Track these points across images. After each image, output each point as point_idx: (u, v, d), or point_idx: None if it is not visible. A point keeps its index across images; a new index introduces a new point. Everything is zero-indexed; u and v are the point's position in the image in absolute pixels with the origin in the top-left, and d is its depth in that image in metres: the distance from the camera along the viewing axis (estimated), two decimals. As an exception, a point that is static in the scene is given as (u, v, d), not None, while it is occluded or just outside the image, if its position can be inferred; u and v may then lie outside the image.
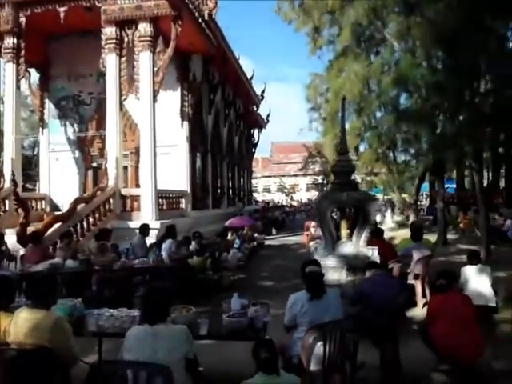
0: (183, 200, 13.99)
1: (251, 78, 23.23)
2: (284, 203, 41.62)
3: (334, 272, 5.00)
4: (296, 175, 51.33)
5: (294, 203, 42.04)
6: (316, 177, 43.56)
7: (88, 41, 12.08)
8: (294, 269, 6.18)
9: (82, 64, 13.10)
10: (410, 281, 6.12)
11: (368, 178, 19.13)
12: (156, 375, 2.22)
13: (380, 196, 27.85)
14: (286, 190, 51.69)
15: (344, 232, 5.25)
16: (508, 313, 5.68)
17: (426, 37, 6.64)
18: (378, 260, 4.96)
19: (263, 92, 26.32)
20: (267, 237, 16.96)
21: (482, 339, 3.79)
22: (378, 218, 21.34)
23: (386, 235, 12.37)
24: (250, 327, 3.21)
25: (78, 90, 13.94)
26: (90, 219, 9.90)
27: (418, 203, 32.62)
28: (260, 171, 57.61)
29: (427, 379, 3.81)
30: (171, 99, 14.02)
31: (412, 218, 16.15)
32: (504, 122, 6.80)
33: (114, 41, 10.94)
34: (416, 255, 6.10)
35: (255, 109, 26.91)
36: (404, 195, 16.51)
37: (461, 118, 7.82)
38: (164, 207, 12.34)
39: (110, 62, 11.08)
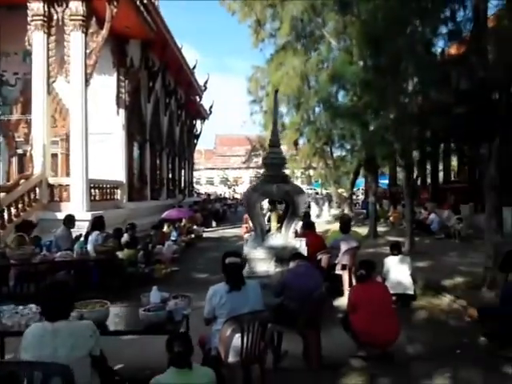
0: (118, 191, 13.44)
1: (194, 67, 22.80)
2: (227, 196, 41.56)
3: (262, 263, 5.04)
4: (239, 168, 51.42)
5: (237, 196, 42.14)
6: (259, 170, 43.96)
7: (13, 16, 11.08)
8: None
9: (6, 41, 11.98)
10: (338, 271, 6.34)
11: (307, 173, 19.59)
12: (53, 375, 2.06)
13: (319, 190, 28.77)
14: (228, 183, 51.67)
15: (274, 224, 5.32)
16: (425, 300, 6.08)
17: (359, 36, 6.86)
18: (305, 251, 5.07)
19: (206, 83, 25.98)
20: (207, 229, 16.82)
21: (397, 326, 4.01)
22: (316, 211, 22.05)
23: (323, 228, 12.81)
24: (168, 320, 3.12)
25: (2, 70, 12.79)
26: (12, 210, 9.16)
27: (355, 197, 34.23)
28: (203, 163, 57.02)
29: (347, 365, 3.95)
30: (106, 85, 13.35)
31: (347, 211, 16.84)
32: (429, 123, 7.17)
33: (42, 18, 10.12)
34: (344, 246, 6.33)
35: (198, 99, 26.52)
36: (341, 190, 17.13)
37: (391, 116, 8.18)
38: (97, 198, 11.76)
39: (37, 40, 10.27)
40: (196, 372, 2.45)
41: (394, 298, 5.91)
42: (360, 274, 4.25)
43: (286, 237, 5.23)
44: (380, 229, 15.77)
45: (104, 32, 10.63)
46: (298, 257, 3.99)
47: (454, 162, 22.48)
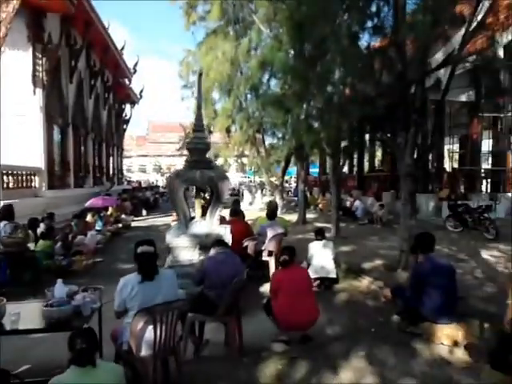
0: (36, 178, 12.41)
1: (122, 48, 21.64)
2: (160, 184, 40.42)
3: (186, 252, 4.90)
4: (173, 155, 50.16)
5: (171, 184, 41.10)
6: (193, 157, 43.16)
7: None
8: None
9: None
10: (265, 257, 6.38)
11: (239, 161, 19.57)
12: None
13: (252, 178, 28.92)
14: (162, 171, 50.28)
15: (198, 211, 5.18)
16: (346, 282, 6.33)
17: (287, 23, 6.86)
18: (230, 238, 5.01)
19: (136, 65, 24.81)
20: (136, 218, 16.19)
21: (316, 308, 4.10)
22: (249, 199, 22.21)
23: (256, 215, 12.89)
24: (75, 316, 2.88)
25: None
26: None
27: (288, 185, 35.04)
28: (136, 150, 54.91)
29: (268, 350, 3.97)
30: (20, 61, 12.16)
31: (278, 199, 17.12)
32: (353, 113, 7.38)
33: None
34: (270, 233, 6.37)
35: (127, 83, 25.26)
36: (274, 177, 17.32)
37: (318, 105, 8.33)
38: (10, 185, 10.76)
39: None
40: (101, 369, 2.29)
41: (317, 281, 6.15)
42: (283, 259, 4.28)
43: (211, 224, 5.13)
44: (309, 215, 16.28)
45: (15, 1, 9.60)
46: (219, 244, 3.91)
47: (380, 151, 23.80)
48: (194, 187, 5.92)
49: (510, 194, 14.47)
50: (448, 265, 4.18)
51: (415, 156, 6.48)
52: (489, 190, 14.86)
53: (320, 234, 6.38)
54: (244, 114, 13.88)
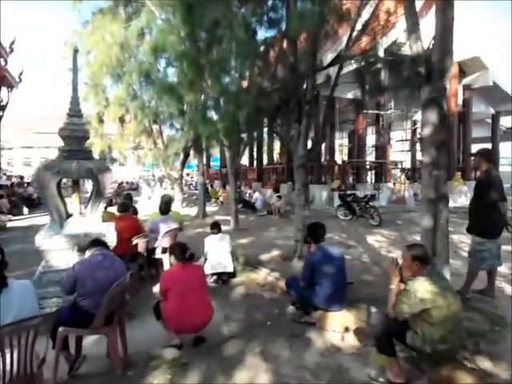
0: None
1: (-7, 23, 18.80)
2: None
3: (61, 254, 4.27)
4: (63, 147, 45.84)
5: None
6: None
7: None
8: (32, 253, 5.13)
9: None
10: (158, 255, 5.96)
11: (136, 153, 18.50)
12: None
13: (153, 171, 27.65)
14: (49, 164, 45.56)
15: (76, 207, 4.56)
16: (244, 275, 6.22)
17: (178, 5, 6.45)
18: (114, 237, 4.50)
19: (13, 44, 21.81)
20: (15, 217, 14.29)
21: (209, 308, 3.86)
22: (148, 193, 21.20)
23: (154, 210, 12.21)
24: None
25: None
26: None
27: (190, 178, 34.35)
28: (19, 142, 49.19)
29: (158, 358, 3.63)
30: None
31: (178, 192, 16.58)
32: (248, 104, 7.26)
33: None
34: (163, 229, 5.97)
35: (3, 63, 22.11)
36: (172, 171, 16.67)
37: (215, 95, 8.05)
38: None
39: None
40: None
41: (214, 277, 5.94)
42: (177, 256, 3.97)
43: (91, 221, 4.55)
44: (211, 208, 16.08)
45: None
46: (95, 244, 3.42)
47: (279, 144, 24.55)
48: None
49: (389, 184, 15.99)
50: (338, 253, 4.27)
51: (308, 148, 6.62)
52: (373, 181, 16.24)
53: (216, 227, 6.16)
54: (138, 102, 13.01)
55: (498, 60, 17.12)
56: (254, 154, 21.78)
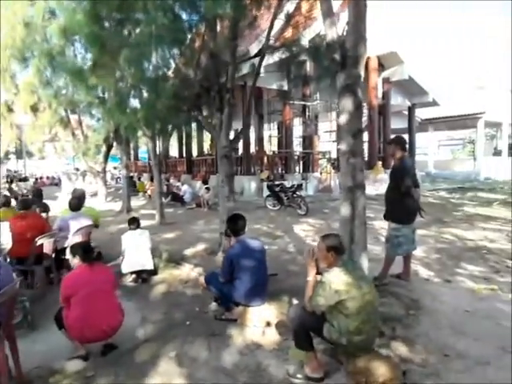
0: None
1: None
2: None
3: None
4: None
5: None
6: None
7: None
8: None
9: None
10: (69, 256, 5.41)
11: (56, 145, 17.07)
12: None
13: (73, 164, 25.92)
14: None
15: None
16: (166, 272, 5.89)
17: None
18: (9, 238, 3.96)
19: None
20: None
21: (118, 312, 3.52)
22: (69, 188, 19.72)
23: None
24: None
25: None
26: None
27: (119, 172, 32.62)
28: None
29: (60, 372, 3.23)
30: None
31: (101, 187, 15.60)
32: (169, 92, 6.86)
33: None
34: (74, 226, 5.44)
35: None
36: (95, 164, 15.59)
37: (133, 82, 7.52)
38: None
39: None
40: None
41: (133, 275, 5.55)
42: (80, 257, 3.57)
43: (-21, 223, 3.96)
44: (138, 203, 15.37)
45: None
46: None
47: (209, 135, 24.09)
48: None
49: (317, 174, 16.40)
50: (258, 246, 4.13)
51: (231, 137, 6.42)
52: (301, 171, 16.54)
53: (134, 222, 5.75)
54: (52, 90, 11.90)
55: (413, 55, 18.28)
56: (184, 145, 21.19)
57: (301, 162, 16.67)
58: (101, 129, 12.60)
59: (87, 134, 14.68)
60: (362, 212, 4.02)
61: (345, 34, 3.84)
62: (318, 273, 2.93)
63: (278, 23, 10.95)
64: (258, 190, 14.47)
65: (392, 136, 31.92)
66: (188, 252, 6.89)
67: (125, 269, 5.50)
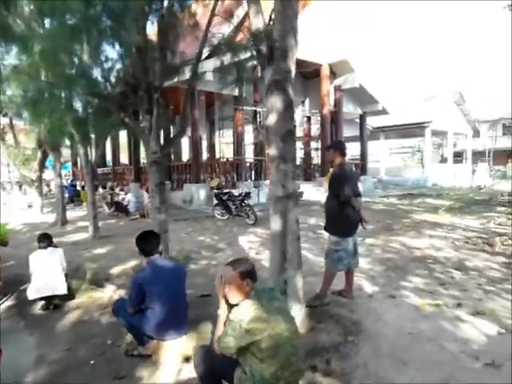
0: None
1: None
2: None
3: None
4: None
5: None
6: None
7: None
8: None
9: None
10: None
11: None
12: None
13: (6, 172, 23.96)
14: None
15: None
16: (86, 295, 5.16)
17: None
18: None
19: None
20: None
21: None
22: (5, 199, 18.10)
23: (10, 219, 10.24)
24: None
25: None
26: None
27: (66, 181, 30.72)
28: None
29: None
30: None
31: (37, 196, 14.34)
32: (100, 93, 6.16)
33: None
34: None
35: None
36: (30, 172, 14.28)
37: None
38: None
39: None
40: None
41: (42, 302, 4.78)
42: None
43: None
44: (78, 213, 14.28)
45: None
46: None
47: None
48: None
49: (267, 181, 15.99)
50: (175, 267, 3.54)
51: (162, 143, 5.81)
52: (253, 179, 16.08)
53: (44, 240, 4.97)
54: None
55: (363, 64, 18.48)
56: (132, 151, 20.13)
57: (253, 170, 16.22)
58: (30, 133, 11.51)
59: (18, 138, 13.44)
60: (295, 226, 3.55)
61: (272, 23, 3.38)
62: (231, 305, 2.39)
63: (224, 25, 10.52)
64: (207, 199, 13.84)
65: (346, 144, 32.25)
66: (115, 270, 6.16)
67: (32, 294, 4.72)
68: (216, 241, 8.33)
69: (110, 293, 5.21)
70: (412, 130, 25.78)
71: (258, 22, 3.36)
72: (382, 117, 23.38)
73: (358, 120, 21.62)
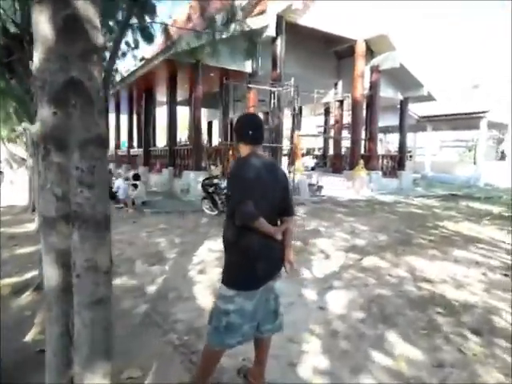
0: None
1: None
2: None
3: None
4: None
5: None
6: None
7: None
8: None
9: None
10: None
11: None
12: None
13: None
14: None
15: None
16: None
17: None
18: None
19: None
20: None
21: None
22: (11, 177, 17.56)
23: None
24: None
25: None
26: None
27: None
28: None
29: None
30: None
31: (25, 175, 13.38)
32: None
33: None
34: None
35: None
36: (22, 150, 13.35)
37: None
38: None
39: None
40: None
41: None
42: None
43: None
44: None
45: None
46: None
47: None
48: None
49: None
50: None
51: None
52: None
53: None
54: None
55: (405, 44, 15.79)
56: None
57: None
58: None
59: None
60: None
61: None
62: None
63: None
64: (206, 189, 12.17)
65: (388, 135, 29.49)
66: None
67: None
68: (174, 245, 6.65)
69: None
70: (465, 120, 22.40)
71: None
72: (428, 104, 20.42)
73: (398, 106, 18.88)
